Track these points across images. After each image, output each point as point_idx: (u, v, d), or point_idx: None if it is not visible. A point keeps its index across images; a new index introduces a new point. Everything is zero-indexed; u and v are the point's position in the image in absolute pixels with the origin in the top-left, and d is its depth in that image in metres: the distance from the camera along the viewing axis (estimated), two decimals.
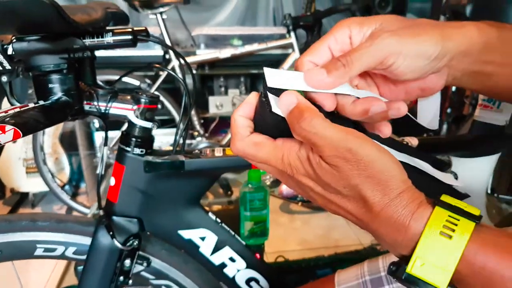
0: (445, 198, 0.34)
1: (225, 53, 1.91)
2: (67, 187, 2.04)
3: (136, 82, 1.84)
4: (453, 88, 1.85)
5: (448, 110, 1.89)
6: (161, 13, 1.80)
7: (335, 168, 0.33)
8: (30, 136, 1.88)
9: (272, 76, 0.35)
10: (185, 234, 0.70)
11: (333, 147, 0.32)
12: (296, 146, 0.35)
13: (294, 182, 0.37)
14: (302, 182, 0.35)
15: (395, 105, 0.37)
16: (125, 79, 1.86)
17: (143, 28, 0.63)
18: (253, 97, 0.38)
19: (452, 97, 1.87)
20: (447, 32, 0.35)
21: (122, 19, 0.64)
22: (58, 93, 0.56)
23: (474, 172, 0.85)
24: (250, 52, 1.93)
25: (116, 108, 0.62)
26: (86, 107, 0.61)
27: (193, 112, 2.00)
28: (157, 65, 0.68)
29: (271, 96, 0.35)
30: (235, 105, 2.08)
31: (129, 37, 0.55)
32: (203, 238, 0.71)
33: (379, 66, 0.35)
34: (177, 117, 1.92)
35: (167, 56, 1.93)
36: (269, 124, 0.36)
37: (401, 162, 0.35)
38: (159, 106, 0.64)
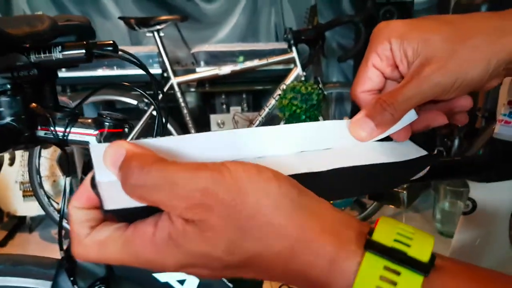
0: (381, 228, 0.24)
1: (224, 70, 1.85)
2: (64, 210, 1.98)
3: (134, 102, 1.79)
4: None
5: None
6: (157, 30, 1.76)
7: (204, 226, 0.23)
8: (26, 159, 1.84)
9: (101, 169, 0.24)
10: (161, 277, 0.61)
11: (183, 196, 0.22)
12: (150, 230, 0.24)
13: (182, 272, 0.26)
14: (185, 272, 0.25)
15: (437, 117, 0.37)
16: (122, 98, 1.80)
17: (110, 42, 0.55)
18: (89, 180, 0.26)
19: None
20: (500, 43, 0.32)
21: (88, 33, 0.57)
22: (3, 117, 0.48)
23: (495, 198, 0.75)
24: (251, 68, 1.87)
25: (76, 134, 0.54)
26: (41, 133, 0.53)
27: (193, 131, 1.94)
28: (127, 84, 0.60)
29: (102, 185, 0.24)
30: (237, 123, 2.01)
31: (82, 51, 0.47)
32: (182, 282, 0.62)
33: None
34: None
35: (165, 74, 1.88)
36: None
37: (336, 168, 0.30)
38: (127, 130, 0.56)
